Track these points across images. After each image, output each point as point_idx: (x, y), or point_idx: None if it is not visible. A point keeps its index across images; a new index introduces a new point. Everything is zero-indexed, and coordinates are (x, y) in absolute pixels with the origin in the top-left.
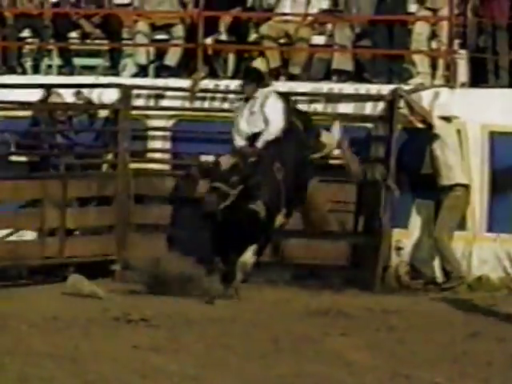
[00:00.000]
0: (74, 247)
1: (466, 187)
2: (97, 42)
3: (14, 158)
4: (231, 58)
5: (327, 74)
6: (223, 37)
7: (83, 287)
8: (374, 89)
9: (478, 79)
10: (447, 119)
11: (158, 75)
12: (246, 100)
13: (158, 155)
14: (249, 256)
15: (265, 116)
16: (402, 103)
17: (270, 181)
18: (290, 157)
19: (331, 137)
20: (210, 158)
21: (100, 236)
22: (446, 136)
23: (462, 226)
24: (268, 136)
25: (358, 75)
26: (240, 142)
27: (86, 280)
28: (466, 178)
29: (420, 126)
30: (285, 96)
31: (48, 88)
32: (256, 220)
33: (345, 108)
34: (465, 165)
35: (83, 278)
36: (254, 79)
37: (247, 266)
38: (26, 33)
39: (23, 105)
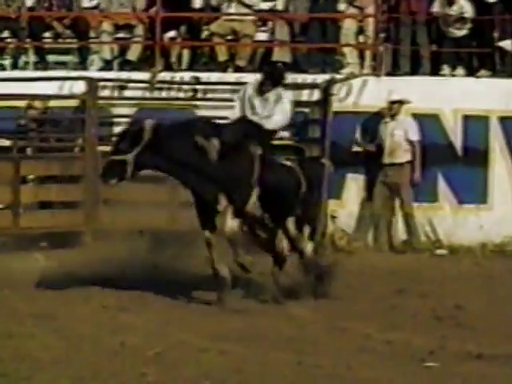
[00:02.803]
0: (45, 220)
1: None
2: (67, 40)
3: None
4: (185, 52)
5: None
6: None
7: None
8: (309, 78)
9: (399, 68)
10: (400, 102)
11: (121, 69)
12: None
13: None
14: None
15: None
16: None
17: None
18: None
19: None
20: None
21: (70, 210)
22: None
23: None
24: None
25: (295, 66)
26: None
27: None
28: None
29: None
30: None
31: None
32: None
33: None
34: None
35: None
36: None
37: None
38: (5, 34)
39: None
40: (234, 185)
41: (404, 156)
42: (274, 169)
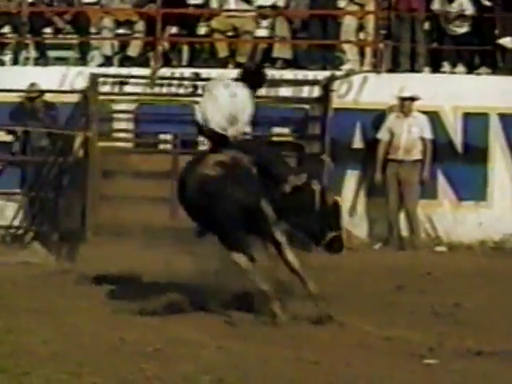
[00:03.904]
0: None
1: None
2: (68, 36)
3: None
4: (185, 49)
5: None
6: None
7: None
8: (310, 75)
9: (399, 65)
10: (412, 99)
11: (121, 65)
12: None
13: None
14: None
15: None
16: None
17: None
18: None
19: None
20: (168, 137)
21: None
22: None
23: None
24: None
25: (296, 63)
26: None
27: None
28: None
29: None
30: None
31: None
32: None
33: (285, 92)
34: None
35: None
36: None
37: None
38: (5, 29)
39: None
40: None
41: (418, 153)
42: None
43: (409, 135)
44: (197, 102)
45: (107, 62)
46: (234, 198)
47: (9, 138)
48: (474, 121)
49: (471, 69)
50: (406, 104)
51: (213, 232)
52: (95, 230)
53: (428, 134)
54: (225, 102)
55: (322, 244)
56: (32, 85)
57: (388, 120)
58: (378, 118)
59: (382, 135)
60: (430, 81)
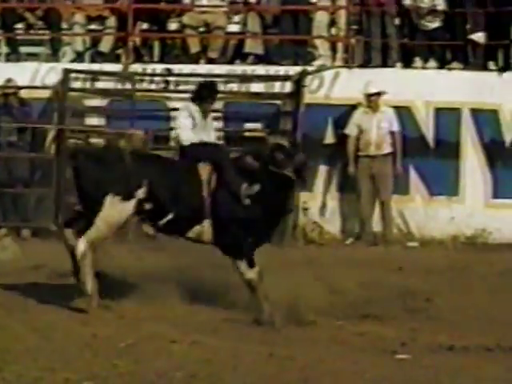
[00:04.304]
0: None
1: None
2: (40, 32)
3: None
4: (156, 44)
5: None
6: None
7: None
8: (282, 70)
9: (370, 60)
10: (378, 94)
11: (93, 61)
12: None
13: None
14: (248, 272)
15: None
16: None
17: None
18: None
19: None
20: (138, 132)
21: None
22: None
23: None
24: None
25: (267, 58)
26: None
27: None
28: None
29: None
30: None
31: None
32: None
33: (257, 87)
34: None
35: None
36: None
37: (255, 282)
38: None
39: None
40: None
41: (388, 147)
42: None
43: (379, 131)
44: (168, 98)
45: (79, 57)
46: None
47: None
48: (446, 116)
49: (443, 64)
50: (373, 99)
51: None
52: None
53: (396, 127)
54: None
55: None
56: (8, 81)
57: (355, 115)
58: (349, 113)
59: (350, 130)
60: (401, 76)
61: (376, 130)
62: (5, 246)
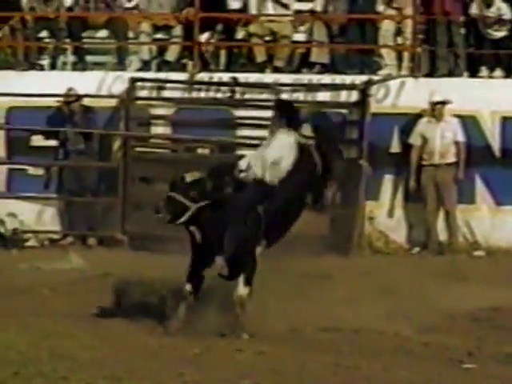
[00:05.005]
0: None
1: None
2: (106, 41)
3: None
4: (222, 53)
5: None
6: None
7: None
8: (348, 79)
9: (437, 70)
10: (443, 103)
11: (159, 69)
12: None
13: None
14: (242, 288)
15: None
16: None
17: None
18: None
19: None
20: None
21: None
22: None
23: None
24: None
25: (333, 67)
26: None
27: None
28: None
29: None
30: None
31: None
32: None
33: (323, 96)
34: None
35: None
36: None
37: (244, 300)
38: (43, 34)
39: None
40: None
41: (452, 157)
42: None
43: (443, 140)
44: (235, 107)
45: (145, 66)
46: None
47: (48, 142)
48: None
49: (509, 73)
50: (437, 108)
51: None
52: (132, 236)
53: (461, 137)
54: None
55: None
56: (69, 89)
57: (419, 125)
58: (414, 122)
59: (414, 140)
60: (467, 85)
61: (440, 140)
62: (69, 258)
